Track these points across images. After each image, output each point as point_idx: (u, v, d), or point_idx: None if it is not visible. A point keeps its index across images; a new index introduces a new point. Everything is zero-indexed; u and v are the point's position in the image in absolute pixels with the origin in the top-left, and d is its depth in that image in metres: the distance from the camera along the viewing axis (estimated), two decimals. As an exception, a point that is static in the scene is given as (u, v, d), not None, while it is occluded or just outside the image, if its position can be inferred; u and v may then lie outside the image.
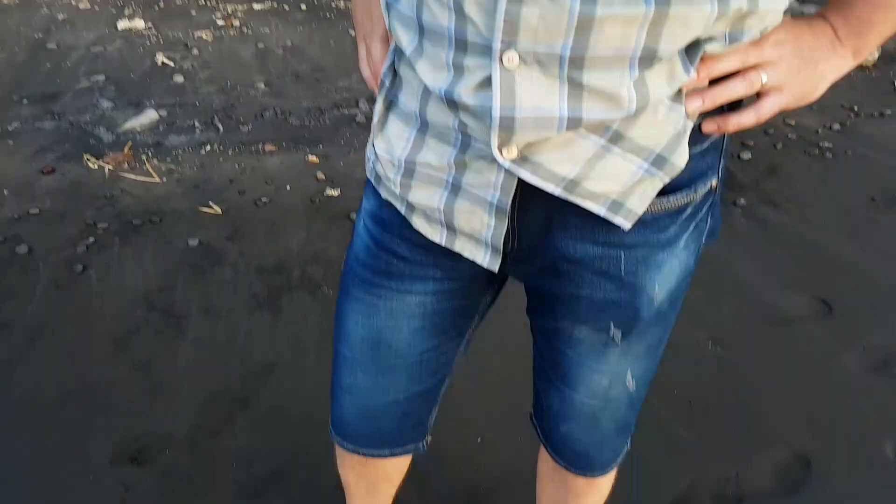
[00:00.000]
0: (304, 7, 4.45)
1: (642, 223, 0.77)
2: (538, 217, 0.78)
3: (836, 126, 3.10)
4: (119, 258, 2.29)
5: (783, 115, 3.08)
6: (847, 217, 2.53)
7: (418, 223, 0.84)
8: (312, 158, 2.81)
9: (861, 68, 3.63)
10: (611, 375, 0.92)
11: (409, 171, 0.79)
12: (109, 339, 1.99)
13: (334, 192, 2.60)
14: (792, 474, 1.67)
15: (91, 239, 2.37)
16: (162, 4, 4.48)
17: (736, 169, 2.77)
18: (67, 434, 1.73)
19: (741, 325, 2.06)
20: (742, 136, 2.94)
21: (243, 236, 2.36)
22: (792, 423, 1.78)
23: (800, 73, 0.72)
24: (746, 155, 2.86)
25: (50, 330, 2.02)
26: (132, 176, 2.69)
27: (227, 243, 2.32)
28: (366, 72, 0.91)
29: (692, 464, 1.69)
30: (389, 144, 0.80)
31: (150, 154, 2.84)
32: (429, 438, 1.13)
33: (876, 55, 3.76)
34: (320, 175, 2.71)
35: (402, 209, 0.84)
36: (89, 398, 1.82)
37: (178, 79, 3.48)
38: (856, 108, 3.25)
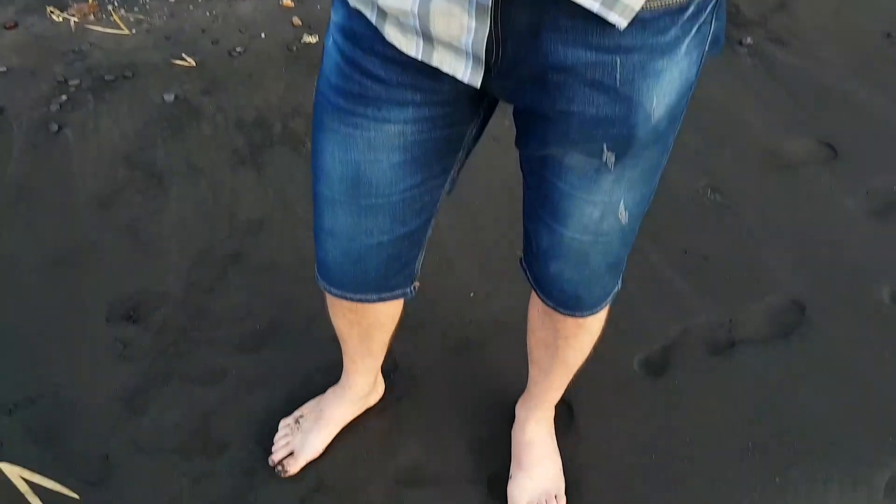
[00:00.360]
0: None
1: (640, 23, 0.71)
2: (524, 18, 0.71)
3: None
4: (95, 116, 2.21)
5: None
6: (859, 55, 2.43)
7: (391, 34, 0.77)
8: (287, 2, 2.66)
9: None
10: (602, 206, 0.89)
11: None
12: (93, 199, 1.97)
13: (312, 39, 2.48)
14: (786, 319, 1.71)
15: (64, 97, 2.28)
16: None
17: (743, 3, 2.64)
18: (60, 296, 1.75)
19: (742, 170, 2.04)
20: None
21: (220, 89, 2.27)
22: (789, 269, 1.80)
23: None
24: (756, -10, 2.70)
25: (31, 192, 1.99)
26: (100, 28, 2.55)
27: (203, 97, 2.24)
28: None
29: (685, 311, 1.73)
30: None
31: (116, 4, 2.68)
32: (416, 284, 1.13)
33: None
34: (296, 20, 2.57)
35: (372, 17, 0.78)
36: (78, 259, 1.83)
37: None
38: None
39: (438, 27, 0.73)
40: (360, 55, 0.82)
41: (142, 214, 1.93)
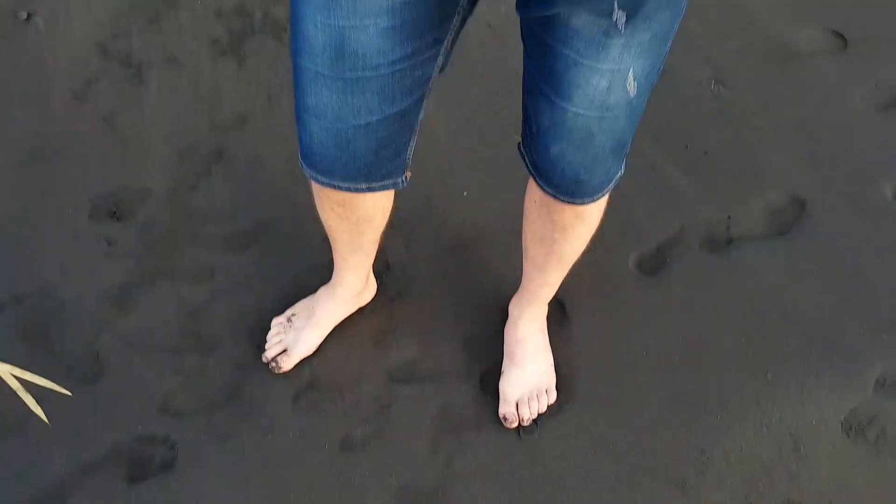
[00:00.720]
0: None
1: None
2: None
3: None
4: (66, 2, 2.10)
5: None
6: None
7: None
8: None
9: None
10: (610, 76, 0.84)
11: None
12: (68, 91, 1.89)
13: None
14: (785, 216, 1.69)
15: (30, -19, 2.16)
16: None
17: None
18: (40, 192, 1.71)
19: (747, 62, 1.96)
20: None
21: (198, -27, 2.15)
22: (791, 164, 1.77)
23: None
24: None
25: (2, 83, 1.91)
26: None
27: (181, -18, 2.13)
28: None
29: (683, 208, 1.71)
30: None
31: None
32: (408, 174, 1.08)
33: None
34: None
35: None
36: (57, 154, 1.77)
37: None
38: None
39: None
40: None
41: (119, 107, 1.86)
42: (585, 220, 1.14)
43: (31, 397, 1.41)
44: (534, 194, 1.13)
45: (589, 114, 0.89)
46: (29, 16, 2.07)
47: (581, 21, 0.79)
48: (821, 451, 1.37)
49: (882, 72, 1.93)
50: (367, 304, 1.54)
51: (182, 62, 1.95)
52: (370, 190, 1.05)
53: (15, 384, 1.43)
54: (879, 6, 2.08)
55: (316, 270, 1.59)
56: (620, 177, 1.05)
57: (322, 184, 1.04)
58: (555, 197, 1.05)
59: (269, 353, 1.45)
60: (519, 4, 0.86)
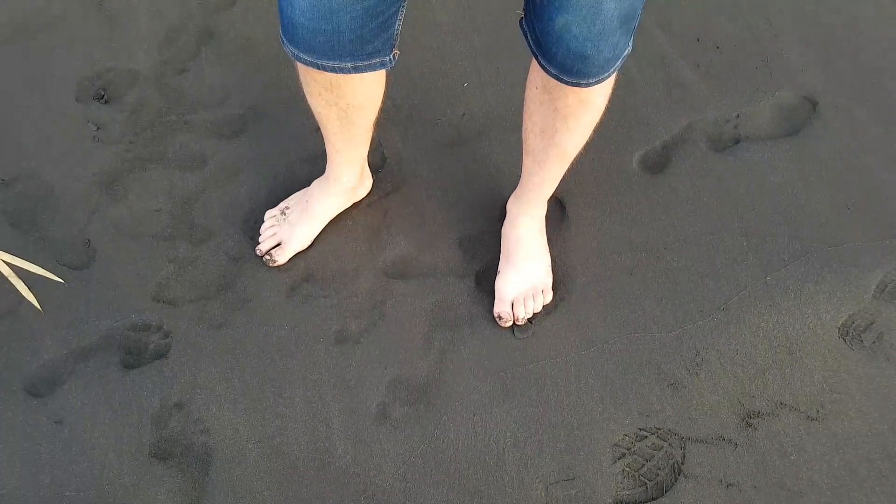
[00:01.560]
0: None
1: None
2: None
3: None
4: None
5: None
6: None
7: None
8: None
9: None
10: None
11: None
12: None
13: None
14: (795, 116, 1.51)
15: None
16: None
17: None
18: (24, 73, 1.52)
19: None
20: None
21: None
22: (805, 63, 1.57)
23: None
24: None
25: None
26: None
27: None
28: None
29: (691, 104, 1.52)
30: None
31: None
32: (396, 52, 0.93)
33: None
34: None
35: None
36: (43, 32, 1.57)
37: None
38: None
39: None
40: None
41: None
42: (590, 105, 0.99)
43: (22, 283, 1.28)
44: (535, 79, 0.98)
45: None
46: None
47: None
48: (816, 355, 1.26)
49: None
50: (363, 199, 1.38)
51: (171, -65, 1.70)
52: (357, 70, 0.90)
53: (6, 269, 1.30)
54: None
55: (309, 161, 1.42)
56: (627, 55, 0.91)
57: (305, 63, 0.90)
58: (558, 78, 0.90)
59: (263, 247, 1.31)
60: None
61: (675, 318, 1.29)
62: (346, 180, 1.30)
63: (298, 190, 1.37)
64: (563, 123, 1.03)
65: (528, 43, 0.91)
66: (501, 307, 1.27)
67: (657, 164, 1.46)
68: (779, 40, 1.60)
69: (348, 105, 1.06)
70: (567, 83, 0.91)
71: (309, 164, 1.40)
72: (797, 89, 1.54)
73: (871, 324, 1.28)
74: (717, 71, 1.56)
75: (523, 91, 1.07)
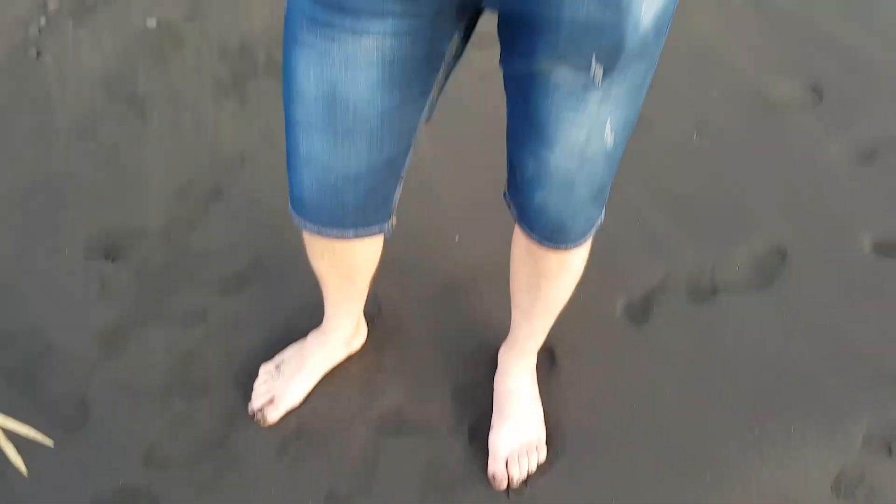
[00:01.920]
0: None
1: None
2: None
3: None
4: (74, 41, 1.93)
5: None
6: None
7: None
8: (277, -74, 2.32)
9: None
10: (589, 127, 0.80)
11: None
12: (71, 127, 1.72)
13: (302, -35, 2.17)
14: (768, 266, 1.53)
15: (43, 20, 1.98)
16: None
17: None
18: (37, 228, 1.53)
19: (728, 111, 1.81)
20: None
21: (203, 15, 1.98)
22: (772, 213, 1.62)
23: None
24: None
25: (8, 119, 1.74)
26: (79, -54, 2.22)
27: (186, 24, 1.95)
28: None
29: (668, 254, 1.55)
30: None
31: (96, -80, 2.33)
32: (394, 220, 0.98)
33: None
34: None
35: None
36: (56, 190, 1.60)
37: None
38: None
39: None
40: None
41: (121, 144, 1.69)
42: (570, 268, 1.06)
43: (11, 446, 1.23)
44: (520, 241, 1.04)
45: (570, 165, 0.84)
46: (39, 53, 1.90)
47: (561, 76, 0.75)
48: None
49: (857, 126, 1.78)
50: (358, 350, 1.36)
51: (185, 101, 1.78)
52: (357, 236, 0.96)
53: (-3, 432, 1.25)
54: (854, 61, 1.93)
55: (308, 313, 1.41)
56: (601, 223, 0.98)
57: (312, 231, 0.95)
58: (539, 243, 0.97)
59: (256, 404, 1.28)
60: (503, 58, 0.80)
61: (670, 476, 1.25)
62: (342, 332, 1.30)
63: (296, 341, 1.35)
64: (546, 282, 1.09)
65: (512, 212, 0.99)
66: (495, 466, 1.22)
67: (640, 314, 1.46)
68: (745, 193, 1.65)
69: (349, 266, 1.11)
70: (548, 248, 0.98)
71: (307, 316, 1.39)
72: (767, 239, 1.57)
73: (863, 478, 1.24)
74: (690, 222, 1.60)
75: (510, 247, 1.10)
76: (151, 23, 1.97)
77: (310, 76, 0.78)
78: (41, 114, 1.75)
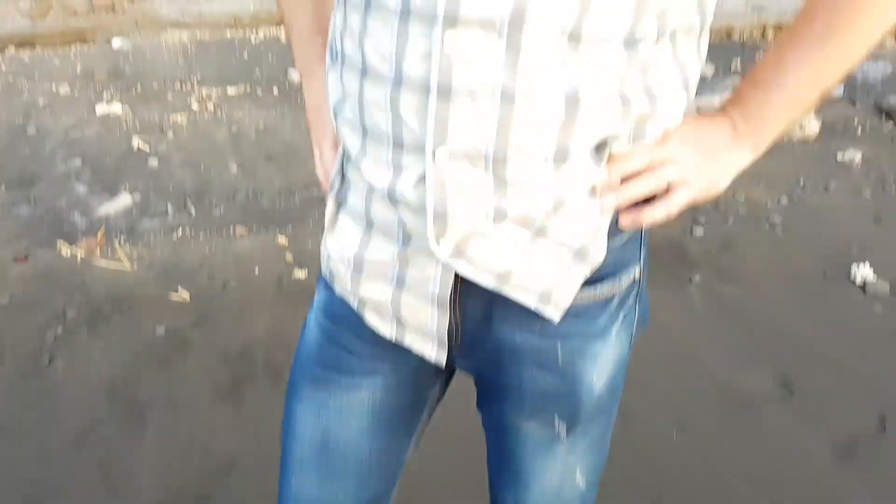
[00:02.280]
0: (276, 91, 4.42)
1: (573, 314, 0.77)
2: (478, 309, 0.78)
3: (784, 200, 3.08)
4: (86, 348, 2.15)
5: (732, 190, 3.05)
6: (801, 292, 2.47)
7: (370, 318, 0.83)
8: (282, 240, 2.72)
9: (804, 142, 3.65)
10: (561, 474, 0.90)
11: (358, 267, 0.80)
12: (71, 433, 1.85)
13: (301, 275, 2.50)
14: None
15: (60, 329, 2.24)
16: (139, 89, 4.43)
17: (689, 245, 2.72)
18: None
19: (704, 407, 1.96)
20: (693, 212, 2.91)
21: (210, 322, 2.24)
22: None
23: (703, 167, 0.74)
24: (699, 231, 2.81)
25: (12, 424, 1.87)
26: (103, 263, 2.58)
27: (192, 330, 2.20)
28: (320, 173, 0.91)
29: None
30: (340, 242, 0.81)
31: (122, 239, 2.73)
32: None
33: (817, 128, 3.78)
34: (288, 257, 2.61)
35: (354, 304, 0.83)
36: (49, 500, 1.67)
37: (153, 162, 3.40)
38: (802, 182, 3.23)
39: (408, 316, 0.79)
40: (340, 333, 0.87)
41: (116, 450, 1.80)
42: None
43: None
44: None
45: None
46: (51, 360, 2.11)
47: (530, 429, 0.86)
48: None
49: (830, 420, 1.90)
50: None
51: (182, 405, 1.94)
52: None
53: None
54: (815, 354, 2.14)
55: None
56: None
57: None
58: None
59: None
60: (479, 404, 0.93)
61: None
62: None
63: None
64: None
65: None
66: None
67: None
68: (732, 494, 1.72)
69: None
70: None
71: None
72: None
73: None
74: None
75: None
76: (160, 330, 2.22)
77: (307, 422, 0.90)
78: (44, 420, 1.90)
